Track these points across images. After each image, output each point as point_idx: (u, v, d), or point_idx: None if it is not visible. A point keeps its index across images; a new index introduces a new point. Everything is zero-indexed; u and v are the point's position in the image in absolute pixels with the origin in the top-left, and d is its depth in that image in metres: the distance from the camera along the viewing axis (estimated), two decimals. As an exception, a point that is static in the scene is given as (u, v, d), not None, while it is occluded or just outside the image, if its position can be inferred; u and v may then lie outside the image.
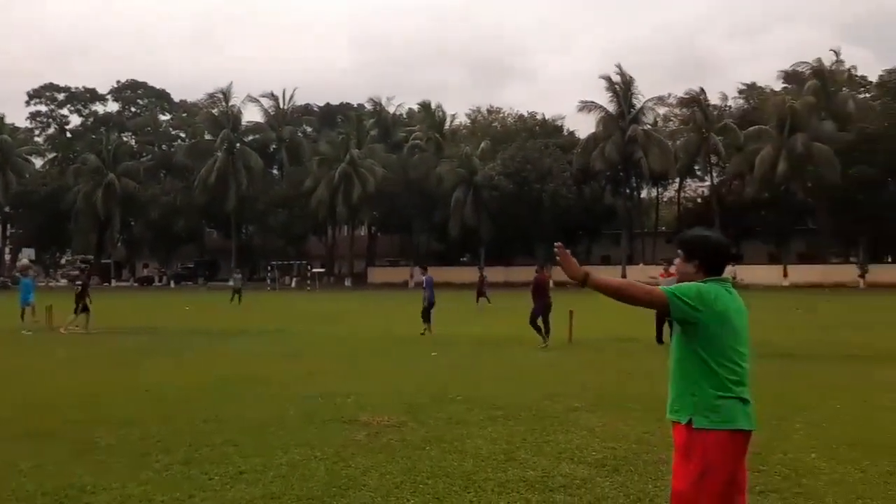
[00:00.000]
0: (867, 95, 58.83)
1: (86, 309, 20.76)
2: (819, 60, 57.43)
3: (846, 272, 54.24)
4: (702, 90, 61.33)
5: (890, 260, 58.38)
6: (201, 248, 75.78)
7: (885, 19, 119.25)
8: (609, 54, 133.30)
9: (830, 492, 5.71)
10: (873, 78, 59.71)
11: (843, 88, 57.50)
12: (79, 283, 21.71)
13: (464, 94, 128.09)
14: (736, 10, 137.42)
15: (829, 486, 5.85)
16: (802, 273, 54.49)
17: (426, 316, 19.86)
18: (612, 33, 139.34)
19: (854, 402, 9.61)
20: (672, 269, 16.40)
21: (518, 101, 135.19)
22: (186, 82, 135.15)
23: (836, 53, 58.65)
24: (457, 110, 76.06)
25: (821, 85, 55.60)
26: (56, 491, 5.86)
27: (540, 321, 16.57)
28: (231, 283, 41.95)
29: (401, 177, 61.75)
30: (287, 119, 71.83)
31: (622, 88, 60.61)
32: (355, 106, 77.12)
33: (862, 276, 51.85)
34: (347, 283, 64.96)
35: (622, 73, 60.85)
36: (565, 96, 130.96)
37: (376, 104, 72.13)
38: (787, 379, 11.14)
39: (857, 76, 60.19)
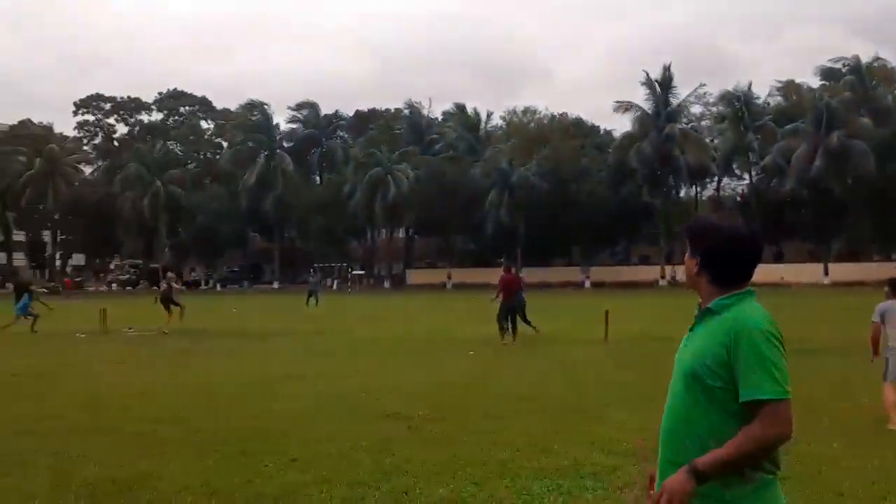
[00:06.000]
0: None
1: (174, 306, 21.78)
2: (856, 57, 56.89)
3: (888, 270, 53.64)
4: (749, 86, 60.94)
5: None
6: (246, 252, 77.32)
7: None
8: (620, 54, 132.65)
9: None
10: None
11: (881, 85, 56.93)
12: (164, 285, 22.91)
13: (479, 99, 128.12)
14: (744, 10, 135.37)
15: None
16: (844, 271, 53.76)
17: (505, 320, 17.53)
18: (621, 33, 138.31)
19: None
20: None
21: (537, 103, 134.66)
22: (215, 90, 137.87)
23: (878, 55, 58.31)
24: (485, 110, 76.48)
25: (858, 81, 55.10)
26: (123, 479, 6.41)
27: (513, 321, 17.50)
28: (308, 284, 40.98)
29: (436, 179, 62.28)
30: (322, 126, 73.33)
31: (660, 87, 60.23)
32: (386, 110, 78.19)
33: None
34: (386, 284, 65.70)
35: (665, 70, 60.29)
36: (583, 96, 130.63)
37: (411, 107, 72.84)
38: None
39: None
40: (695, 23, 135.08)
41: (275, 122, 72.62)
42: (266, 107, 72.10)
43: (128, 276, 72.96)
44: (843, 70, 58.87)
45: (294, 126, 74.47)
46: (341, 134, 77.71)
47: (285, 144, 72.43)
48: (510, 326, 17.45)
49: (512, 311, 17.56)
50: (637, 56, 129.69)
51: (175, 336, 20.25)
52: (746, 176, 63.64)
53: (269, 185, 66.37)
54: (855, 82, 55.94)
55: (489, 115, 73.66)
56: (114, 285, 71.25)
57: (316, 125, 73.24)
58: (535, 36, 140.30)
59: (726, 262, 2.47)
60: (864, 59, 58.04)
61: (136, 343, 19.41)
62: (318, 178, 76.64)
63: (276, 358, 15.51)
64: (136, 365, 14.81)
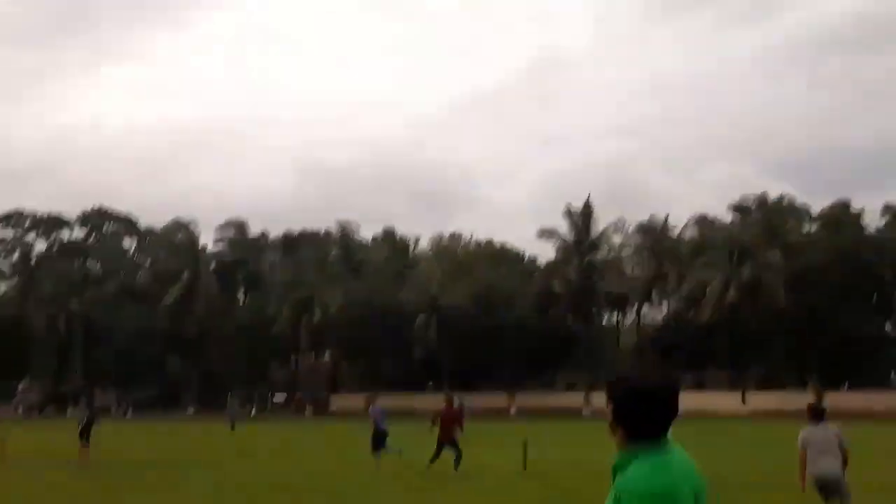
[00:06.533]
0: (811, 228, 61.76)
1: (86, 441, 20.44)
2: (765, 194, 60.76)
3: (804, 398, 55.09)
4: (666, 218, 63.85)
5: (847, 387, 59.30)
6: (162, 376, 74.61)
7: (803, 158, 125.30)
8: (547, 184, 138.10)
9: None
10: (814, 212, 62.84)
11: (789, 221, 60.56)
12: (87, 414, 21.65)
13: (411, 222, 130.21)
14: (665, 147, 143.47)
15: None
16: (762, 400, 55.03)
17: (376, 445, 18.91)
18: (547, 164, 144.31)
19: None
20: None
21: (467, 228, 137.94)
22: (146, 206, 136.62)
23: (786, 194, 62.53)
24: (414, 235, 78.44)
25: (766, 216, 58.54)
26: None
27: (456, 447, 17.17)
28: (226, 411, 41.89)
29: (364, 302, 62.31)
30: (249, 246, 73.18)
31: (582, 217, 62.47)
32: (319, 233, 78.64)
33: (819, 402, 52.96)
34: (308, 412, 64.00)
35: (585, 205, 62.72)
36: (513, 223, 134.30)
37: (342, 229, 73.57)
38: None
39: (803, 209, 63.26)
40: (618, 157, 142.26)
41: (201, 242, 72.19)
42: (192, 225, 71.80)
43: (36, 399, 69.37)
44: (753, 206, 62.46)
45: (220, 246, 74.08)
46: (269, 255, 77.45)
47: (210, 264, 71.66)
48: (455, 454, 17.03)
49: (448, 443, 17.19)
50: (563, 185, 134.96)
51: (74, 467, 19.20)
52: (665, 305, 65.73)
53: (191, 307, 65.19)
54: (764, 218, 59.33)
55: (417, 240, 74.94)
56: (20, 409, 67.50)
57: (243, 245, 72.96)
58: (467, 163, 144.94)
59: (633, 418, 2.43)
60: (772, 195, 62.02)
61: (35, 474, 18.32)
62: (242, 299, 75.62)
63: (164, 494, 14.83)
64: (31, 497, 13.96)
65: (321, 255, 69.95)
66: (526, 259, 72.73)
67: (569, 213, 62.70)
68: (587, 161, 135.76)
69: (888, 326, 57.29)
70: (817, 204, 64.26)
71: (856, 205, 60.64)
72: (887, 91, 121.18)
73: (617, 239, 68.73)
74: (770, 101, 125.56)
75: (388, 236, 73.06)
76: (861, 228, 57.39)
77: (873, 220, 60.39)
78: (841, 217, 57.10)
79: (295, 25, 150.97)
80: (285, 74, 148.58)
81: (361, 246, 74.01)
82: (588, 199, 62.64)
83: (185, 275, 67.21)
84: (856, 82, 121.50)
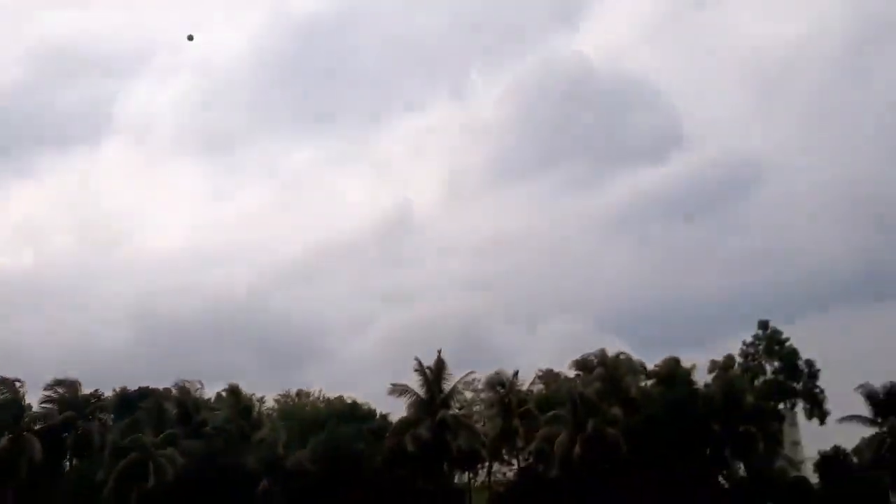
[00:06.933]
0: (648, 383, 64.99)
1: None
2: (603, 351, 63.78)
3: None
4: (515, 373, 64.96)
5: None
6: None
7: (634, 318, 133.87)
8: (397, 338, 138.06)
9: None
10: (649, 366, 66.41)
11: (627, 377, 63.58)
12: None
13: (257, 378, 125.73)
14: (508, 302, 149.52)
15: None
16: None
17: None
18: (397, 318, 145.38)
19: None
20: None
21: (316, 382, 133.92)
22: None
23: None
24: (257, 392, 75.54)
25: (606, 373, 61.21)
26: None
27: None
28: None
29: (205, 464, 58.78)
30: (79, 406, 68.18)
31: (433, 373, 62.72)
32: (158, 391, 74.42)
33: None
34: None
35: (437, 360, 63.07)
36: (364, 377, 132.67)
37: (181, 387, 70.07)
38: None
39: (639, 364, 66.69)
40: (465, 311, 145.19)
41: (27, 402, 66.68)
42: (18, 384, 66.54)
43: None
44: (594, 362, 65.21)
45: (48, 406, 68.30)
46: (101, 415, 71.99)
47: (35, 426, 65.90)
48: None
49: None
50: (413, 339, 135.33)
51: None
52: (515, 461, 65.92)
53: (10, 473, 59.48)
54: (604, 374, 61.90)
55: (262, 398, 72.52)
56: None
57: (73, 405, 67.65)
58: (315, 317, 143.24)
59: None
60: (611, 352, 65.07)
61: None
62: (69, 464, 69.37)
63: None
64: None
65: (158, 415, 65.83)
66: (378, 415, 71.57)
67: (420, 369, 62.89)
68: (436, 315, 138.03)
69: (721, 479, 59.83)
70: (650, 359, 68.00)
71: (685, 361, 64.85)
72: (705, 255, 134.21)
73: (468, 394, 69.49)
74: (602, 260, 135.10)
75: (232, 394, 70.01)
76: (692, 383, 60.93)
77: (702, 376, 64.54)
78: (673, 372, 60.50)
79: (137, 176, 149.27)
80: (125, 225, 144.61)
81: (203, 404, 70.56)
82: (439, 355, 63.22)
83: (5, 438, 61.42)
84: (676, 246, 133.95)
